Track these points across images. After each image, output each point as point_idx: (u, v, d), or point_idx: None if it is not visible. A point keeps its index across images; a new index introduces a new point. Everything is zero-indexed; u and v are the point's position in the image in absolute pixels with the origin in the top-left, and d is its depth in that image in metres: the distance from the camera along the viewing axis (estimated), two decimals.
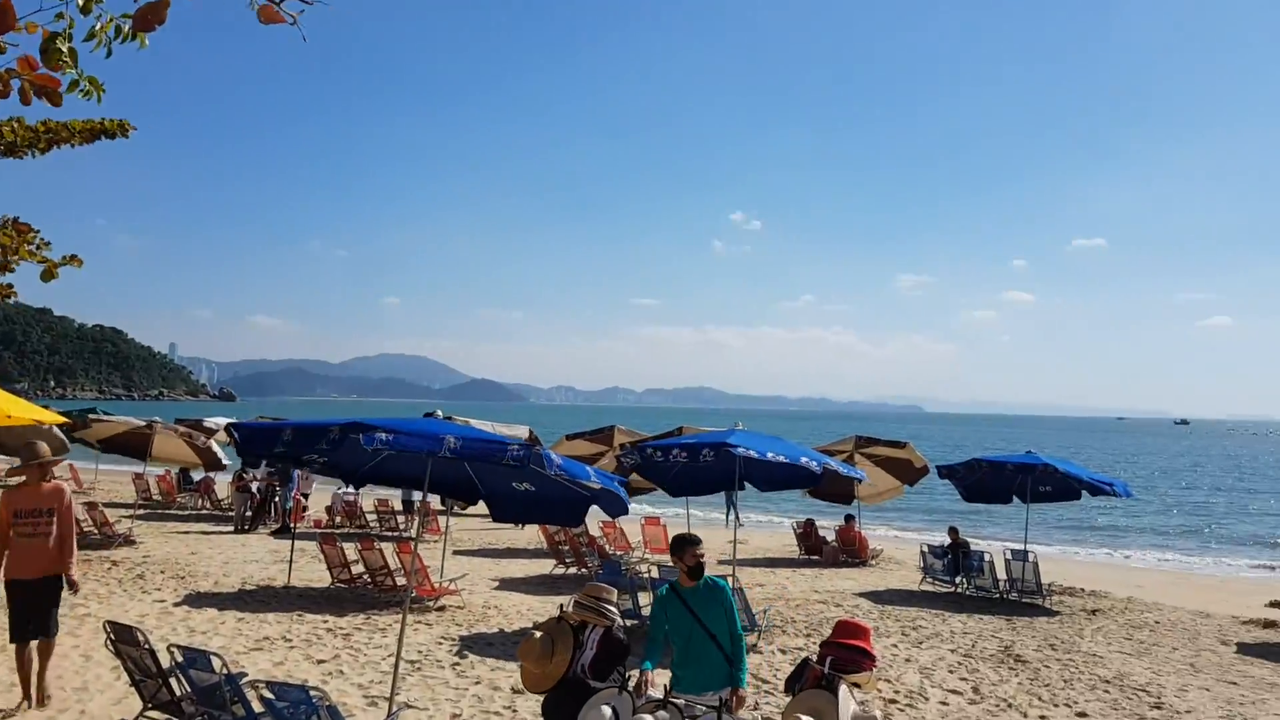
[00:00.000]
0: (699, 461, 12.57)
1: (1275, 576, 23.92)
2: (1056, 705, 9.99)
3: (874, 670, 6.18)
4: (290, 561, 16.09)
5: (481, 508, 9.36)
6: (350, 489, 24.24)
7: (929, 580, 18.02)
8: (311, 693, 5.89)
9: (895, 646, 12.49)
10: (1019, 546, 17.23)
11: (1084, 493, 17.42)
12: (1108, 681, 11.09)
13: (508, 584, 16.45)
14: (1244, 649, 13.40)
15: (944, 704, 9.85)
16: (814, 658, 6.23)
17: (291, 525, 20.21)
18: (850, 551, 21.60)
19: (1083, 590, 18.11)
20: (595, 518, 12.94)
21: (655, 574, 13.62)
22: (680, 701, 5.89)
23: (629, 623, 11.52)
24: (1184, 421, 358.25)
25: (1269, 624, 15.33)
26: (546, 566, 18.30)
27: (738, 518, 13.84)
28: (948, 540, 18.69)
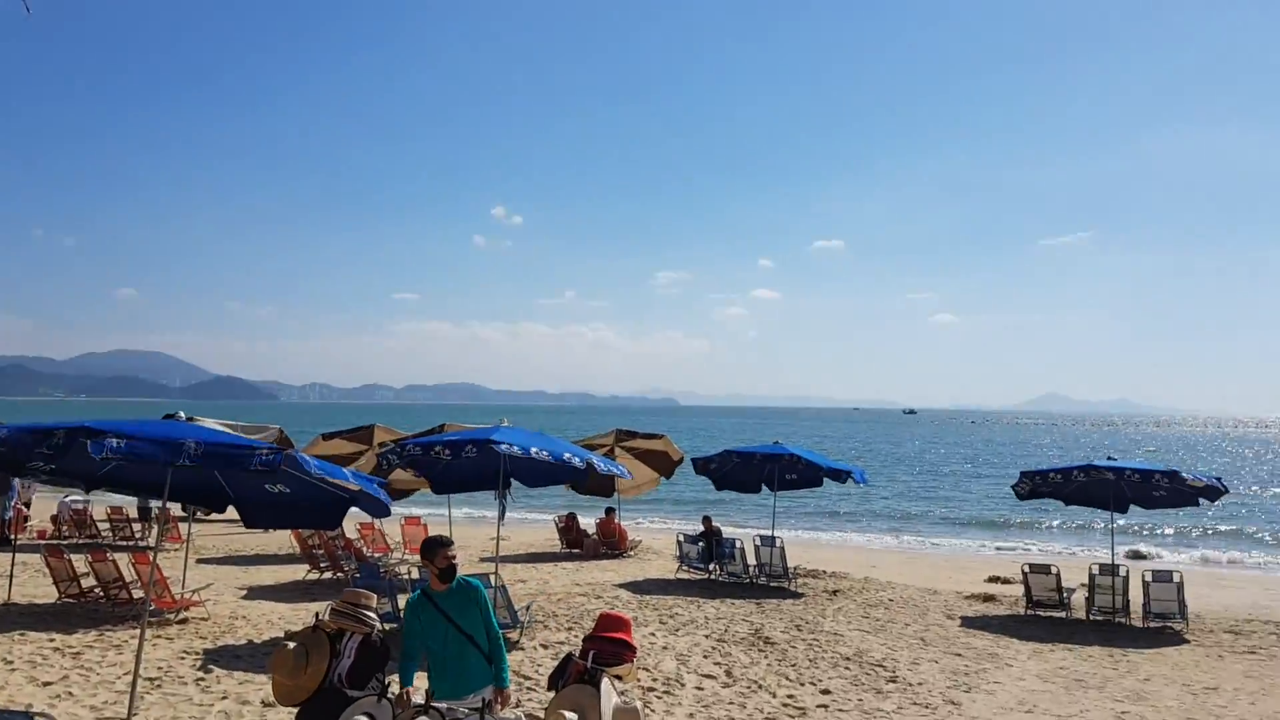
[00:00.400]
0: (462, 458, 12.42)
1: (995, 554, 26.28)
2: (803, 684, 10.58)
3: (635, 661, 6.33)
4: (10, 576, 14.71)
5: (229, 512, 8.90)
6: (78, 496, 22.53)
7: (685, 568, 18.63)
8: (36, 718, 5.45)
9: (653, 635, 12.85)
10: (767, 532, 18.09)
11: (826, 480, 18.56)
12: (848, 659, 11.85)
13: (257, 592, 15.70)
14: (967, 622, 14.67)
15: (699, 689, 10.23)
16: (576, 652, 6.31)
17: (11, 537, 18.54)
18: (610, 544, 22.01)
19: (825, 572, 19.27)
20: (352, 519, 12.58)
21: (415, 575, 13.36)
22: (442, 706, 5.82)
23: (388, 627, 11.26)
24: (912, 411, 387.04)
25: (988, 598, 16.88)
26: (299, 572, 17.58)
27: (503, 514, 13.78)
28: (702, 529, 19.39)
